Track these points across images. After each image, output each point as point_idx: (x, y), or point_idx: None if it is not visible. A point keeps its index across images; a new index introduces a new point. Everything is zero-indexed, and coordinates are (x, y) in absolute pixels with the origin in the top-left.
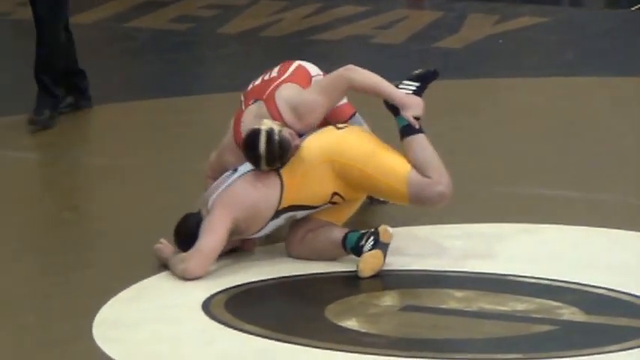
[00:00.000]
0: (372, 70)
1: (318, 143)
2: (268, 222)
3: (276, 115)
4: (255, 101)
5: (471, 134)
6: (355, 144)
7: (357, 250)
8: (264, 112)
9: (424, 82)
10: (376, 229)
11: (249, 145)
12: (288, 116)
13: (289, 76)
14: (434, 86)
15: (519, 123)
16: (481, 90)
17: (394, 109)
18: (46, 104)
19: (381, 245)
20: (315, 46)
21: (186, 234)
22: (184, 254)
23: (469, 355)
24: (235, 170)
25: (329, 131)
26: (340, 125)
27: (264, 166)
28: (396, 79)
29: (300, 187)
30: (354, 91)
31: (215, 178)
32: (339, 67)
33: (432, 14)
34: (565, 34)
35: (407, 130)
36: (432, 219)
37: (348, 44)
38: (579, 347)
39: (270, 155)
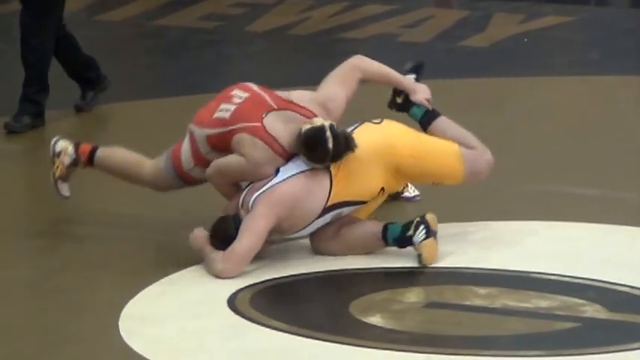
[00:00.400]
0: (398, 68)
1: (364, 140)
2: (314, 220)
3: (308, 114)
4: (267, 114)
5: (495, 132)
6: (401, 135)
7: (404, 241)
8: (292, 116)
9: (418, 73)
10: (423, 217)
11: (315, 143)
12: (320, 113)
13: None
14: (459, 84)
15: (544, 121)
16: (506, 88)
17: (404, 106)
18: (25, 110)
19: (433, 233)
20: (342, 45)
21: (225, 237)
22: (222, 254)
23: (492, 352)
24: (278, 171)
25: (369, 127)
26: (375, 120)
27: (329, 162)
28: (421, 77)
29: (350, 183)
30: (364, 81)
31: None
32: None
33: (458, 13)
34: (590, 33)
35: (429, 117)
36: (456, 216)
37: (374, 43)
38: (602, 344)
39: (338, 149)
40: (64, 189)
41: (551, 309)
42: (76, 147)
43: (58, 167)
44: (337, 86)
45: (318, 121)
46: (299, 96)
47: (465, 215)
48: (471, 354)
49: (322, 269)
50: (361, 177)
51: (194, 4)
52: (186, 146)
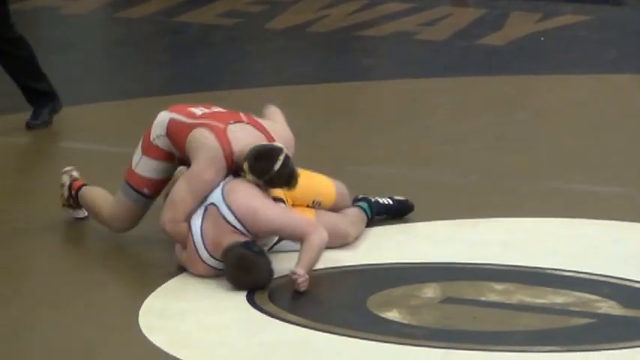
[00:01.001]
0: (416, 66)
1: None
2: None
3: (269, 137)
4: (235, 122)
5: (512, 130)
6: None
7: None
8: (256, 134)
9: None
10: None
11: (264, 156)
12: (278, 140)
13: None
14: (477, 82)
15: (560, 120)
16: (523, 87)
17: None
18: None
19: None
20: (360, 42)
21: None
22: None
23: (508, 347)
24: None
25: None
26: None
27: (263, 180)
28: (439, 75)
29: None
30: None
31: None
32: (384, 63)
33: (475, 11)
34: (607, 32)
35: None
36: (472, 213)
37: (392, 40)
38: (617, 340)
39: (279, 174)
40: (76, 213)
41: (566, 305)
42: (71, 183)
43: (62, 196)
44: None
45: (279, 145)
46: (275, 128)
47: (482, 212)
48: (487, 349)
49: (340, 264)
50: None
51: (213, 1)
52: (139, 144)
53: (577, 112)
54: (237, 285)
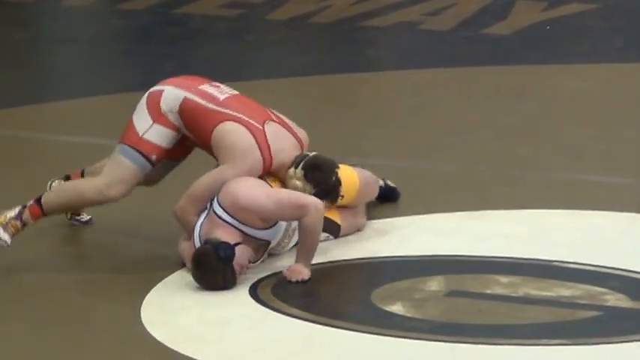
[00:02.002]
0: (421, 57)
1: None
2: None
3: (299, 140)
4: (268, 122)
5: (518, 120)
6: None
7: None
8: (288, 137)
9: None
10: None
11: (322, 166)
12: (302, 146)
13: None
14: (482, 72)
15: (567, 109)
16: (529, 76)
17: None
18: None
19: None
20: (364, 33)
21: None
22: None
23: (514, 341)
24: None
25: None
26: None
27: (318, 189)
28: (444, 66)
29: None
30: None
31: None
32: (387, 54)
33: (480, 1)
34: (614, 21)
35: None
36: (478, 205)
37: (396, 30)
38: (624, 333)
39: (333, 188)
40: (80, 218)
41: (573, 298)
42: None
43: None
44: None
45: (333, 160)
46: (289, 121)
47: (488, 204)
48: (492, 343)
49: (344, 258)
50: None
51: None
52: (140, 112)
53: (584, 101)
54: (195, 279)
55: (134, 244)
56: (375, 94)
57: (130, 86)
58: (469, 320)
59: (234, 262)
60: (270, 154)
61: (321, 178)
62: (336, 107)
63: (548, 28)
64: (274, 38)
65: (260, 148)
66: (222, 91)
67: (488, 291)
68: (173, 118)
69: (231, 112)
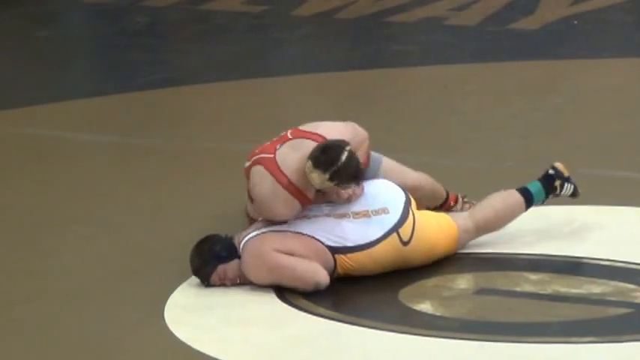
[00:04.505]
0: (447, 52)
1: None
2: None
3: (320, 139)
4: (281, 145)
5: (546, 115)
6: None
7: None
8: (304, 143)
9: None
10: (557, 170)
11: (330, 148)
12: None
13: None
14: (509, 68)
15: (595, 105)
16: (557, 71)
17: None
18: None
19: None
20: (389, 28)
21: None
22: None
23: (544, 339)
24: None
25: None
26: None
27: (330, 173)
28: (469, 62)
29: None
30: None
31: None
32: (413, 49)
33: None
34: None
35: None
36: None
37: (422, 26)
38: None
39: (346, 166)
40: None
41: (603, 295)
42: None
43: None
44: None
45: (344, 139)
46: (327, 129)
47: None
48: (522, 341)
49: None
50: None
51: None
52: None
53: (612, 96)
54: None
55: (158, 244)
56: (401, 90)
57: (154, 84)
58: (498, 318)
59: (219, 269)
60: (283, 172)
61: (329, 160)
62: (362, 103)
63: (575, 22)
64: (299, 34)
65: (273, 174)
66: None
67: (518, 289)
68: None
69: (254, 158)
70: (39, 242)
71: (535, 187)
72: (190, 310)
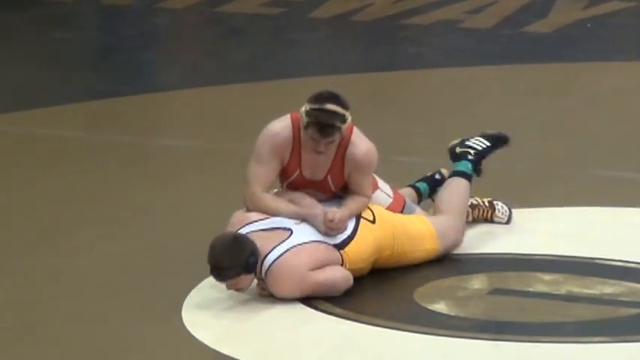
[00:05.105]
0: (462, 54)
1: (362, 241)
2: None
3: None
4: None
5: (560, 117)
6: (388, 239)
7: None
8: None
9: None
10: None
11: (339, 97)
12: None
13: None
14: (523, 70)
15: (608, 107)
16: (570, 73)
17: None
18: None
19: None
20: (405, 31)
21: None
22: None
23: (557, 338)
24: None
25: (365, 227)
26: (369, 217)
27: (306, 110)
28: (485, 63)
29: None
30: None
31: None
32: (429, 52)
33: None
34: None
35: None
36: (520, 202)
37: (437, 28)
38: None
39: (324, 115)
40: None
41: (615, 295)
42: None
43: None
44: None
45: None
46: None
47: (529, 201)
48: (535, 340)
49: None
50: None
51: None
52: None
53: (624, 98)
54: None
55: (174, 245)
56: (417, 92)
57: (171, 85)
58: (512, 318)
59: (240, 277)
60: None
61: (319, 97)
62: (378, 105)
63: (588, 26)
64: (316, 37)
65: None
66: None
67: (531, 289)
68: None
69: None
70: (57, 242)
71: (462, 165)
72: (208, 311)
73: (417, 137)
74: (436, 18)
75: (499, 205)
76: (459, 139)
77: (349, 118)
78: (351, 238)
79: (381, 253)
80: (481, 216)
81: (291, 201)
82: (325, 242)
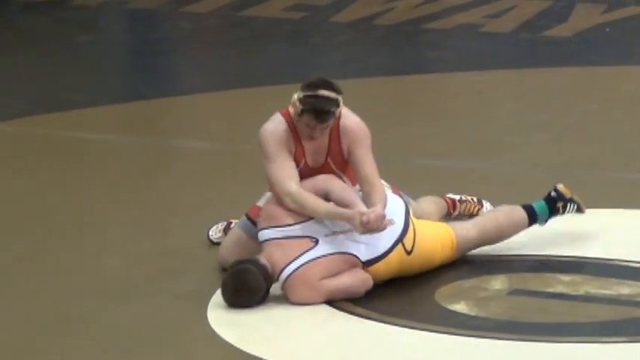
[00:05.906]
0: (482, 58)
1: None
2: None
3: None
4: None
5: (579, 121)
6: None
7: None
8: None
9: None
10: (559, 192)
11: (330, 84)
12: None
13: None
14: (543, 74)
15: (628, 111)
16: (589, 77)
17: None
18: None
19: (576, 199)
20: (426, 35)
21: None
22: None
23: (575, 338)
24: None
25: (399, 256)
26: (407, 248)
27: (298, 98)
28: (504, 68)
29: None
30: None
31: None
32: (449, 56)
33: (540, 3)
34: None
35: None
36: None
37: (458, 33)
38: None
39: (312, 101)
40: None
41: (633, 296)
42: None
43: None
44: None
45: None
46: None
47: None
48: (553, 340)
49: None
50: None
51: None
52: None
53: None
54: (229, 288)
55: (198, 245)
56: (438, 96)
57: (195, 89)
58: (531, 318)
59: None
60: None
61: (313, 84)
62: (399, 108)
63: (607, 30)
64: (338, 41)
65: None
66: None
67: (550, 289)
68: None
69: None
70: (83, 243)
71: (540, 206)
72: (232, 310)
73: (437, 140)
74: (456, 22)
75: (487, 204)
76: (569, 197)
77: (341, 102)
78: (380, 258)
79: (402, 274)
80: (468, 211)
81: (331, 192)
82: (352, 254)
